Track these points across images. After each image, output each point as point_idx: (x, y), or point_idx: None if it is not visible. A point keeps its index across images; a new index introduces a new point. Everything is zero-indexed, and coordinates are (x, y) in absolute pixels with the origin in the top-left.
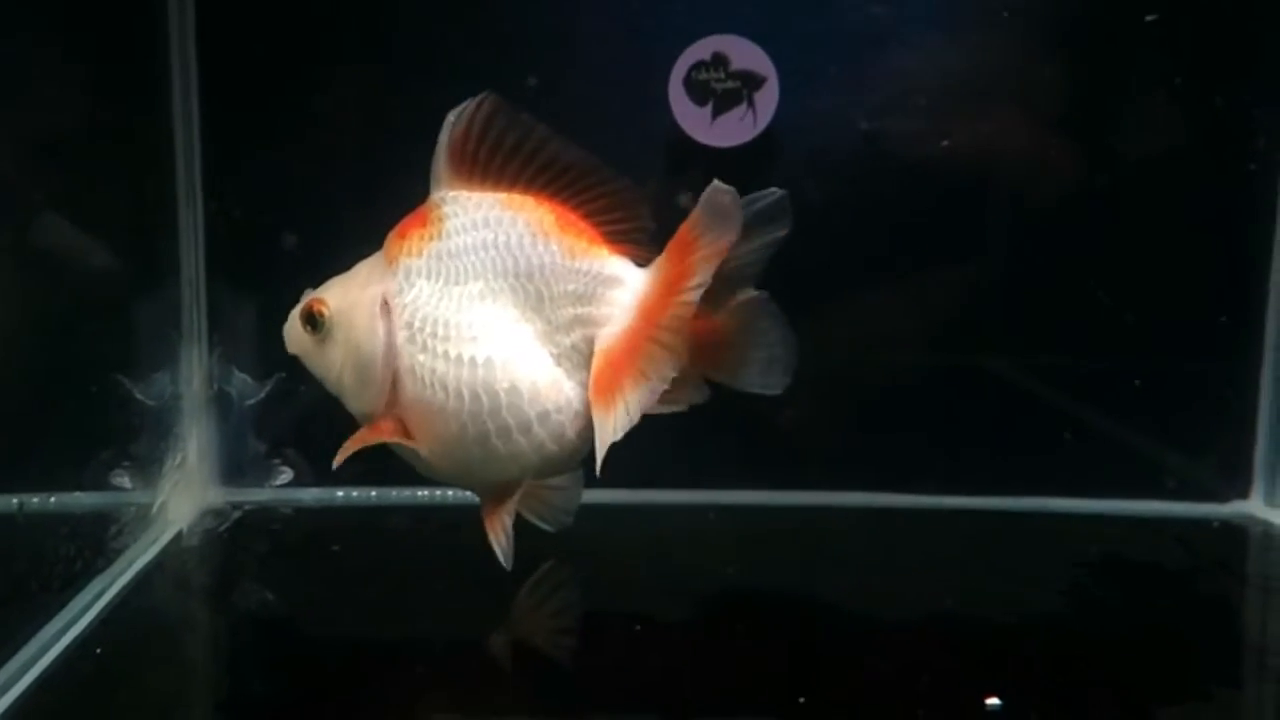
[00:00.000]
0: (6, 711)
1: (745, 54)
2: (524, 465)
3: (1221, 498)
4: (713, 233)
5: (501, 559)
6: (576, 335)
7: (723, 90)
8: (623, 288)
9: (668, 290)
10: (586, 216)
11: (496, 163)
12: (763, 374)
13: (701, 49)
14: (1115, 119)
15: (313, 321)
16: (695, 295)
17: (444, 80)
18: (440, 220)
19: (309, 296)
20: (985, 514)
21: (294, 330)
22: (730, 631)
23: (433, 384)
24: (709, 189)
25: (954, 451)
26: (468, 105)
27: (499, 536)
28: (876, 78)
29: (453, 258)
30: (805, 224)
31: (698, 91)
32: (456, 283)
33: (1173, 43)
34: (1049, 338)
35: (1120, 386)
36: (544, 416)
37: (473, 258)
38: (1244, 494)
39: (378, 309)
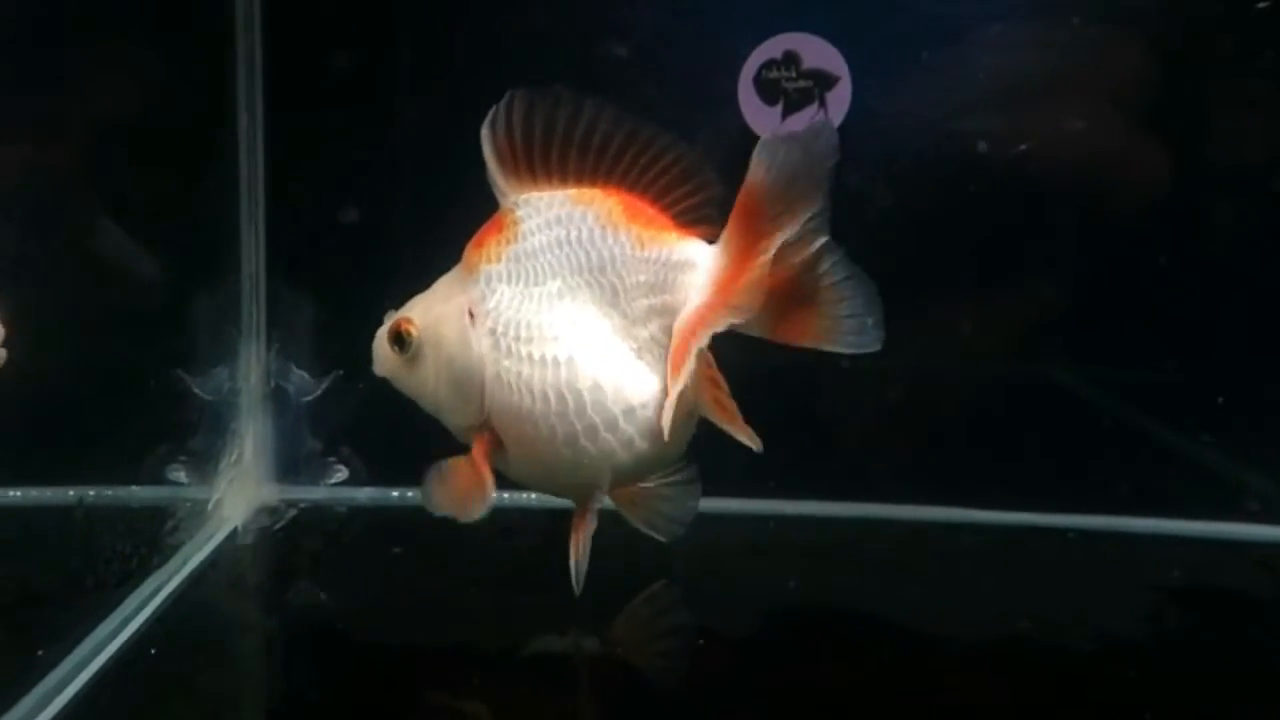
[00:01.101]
0: (64, 709)
1: (817, 53)
2: (616, 465)
3: None
4: (779, 194)
5: (574, 581)
6: (654, 326)
7: (794, 89)
8: (695, 271)
9: (740, 262)
10: (655, 199)
11: (553, 159)
12: (856, 332)
13: (773, 47)
14: (1202, 123)
15: (400, 341)
16: (769, 258)
17: (511, 77)
18: (515, 224)
19: (393, 317)
20: (1058, 531)
21: (382, 352)
22: (790, 647)
23: (519, 388)
24: (761, 144)
25: (1026, 466)
26: (497, 112)
27: (579, 552)
28: (952, 78)
29: (529, 259)
30: (875, 228)
31: (768, 90)
32: (535, 284)
33: (1262, 46)
34: (1129, 351)
35: (1203, 403)
36: (629, 413)
37: (548, 257)
38: None
39: (466, 319)
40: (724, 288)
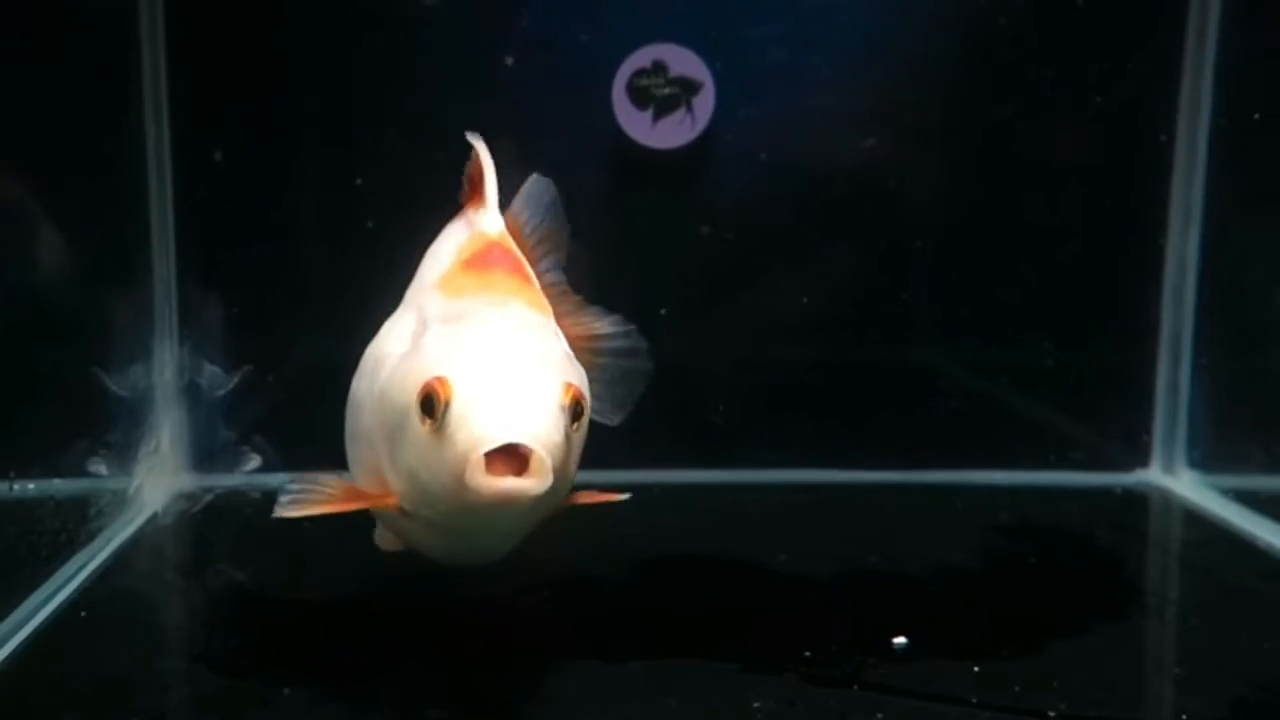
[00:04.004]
0: (4, 660)
1: (683, 61)
2: None
3: (1124, 467)
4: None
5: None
6: None
7: (662, 95)
8: None
9: None
10: None
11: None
12: (609, 406)
13: (642, 57)
14: (1016, 122)
15: (579, 411)
16: None
17: (405, 89)
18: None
19: (552, 391)
20: (907, 487)
21: (557, 438)
22: (672, 587)
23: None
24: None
25: (879, 430)
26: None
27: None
28: (807, 82)
29: None
30: (741, 221)
31: (639, 96)
32: None
33: (1073, 47)
34: (967, 325)
35: (1033, 368)
36: None
37: None
38: (1144, 464)
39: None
40: None
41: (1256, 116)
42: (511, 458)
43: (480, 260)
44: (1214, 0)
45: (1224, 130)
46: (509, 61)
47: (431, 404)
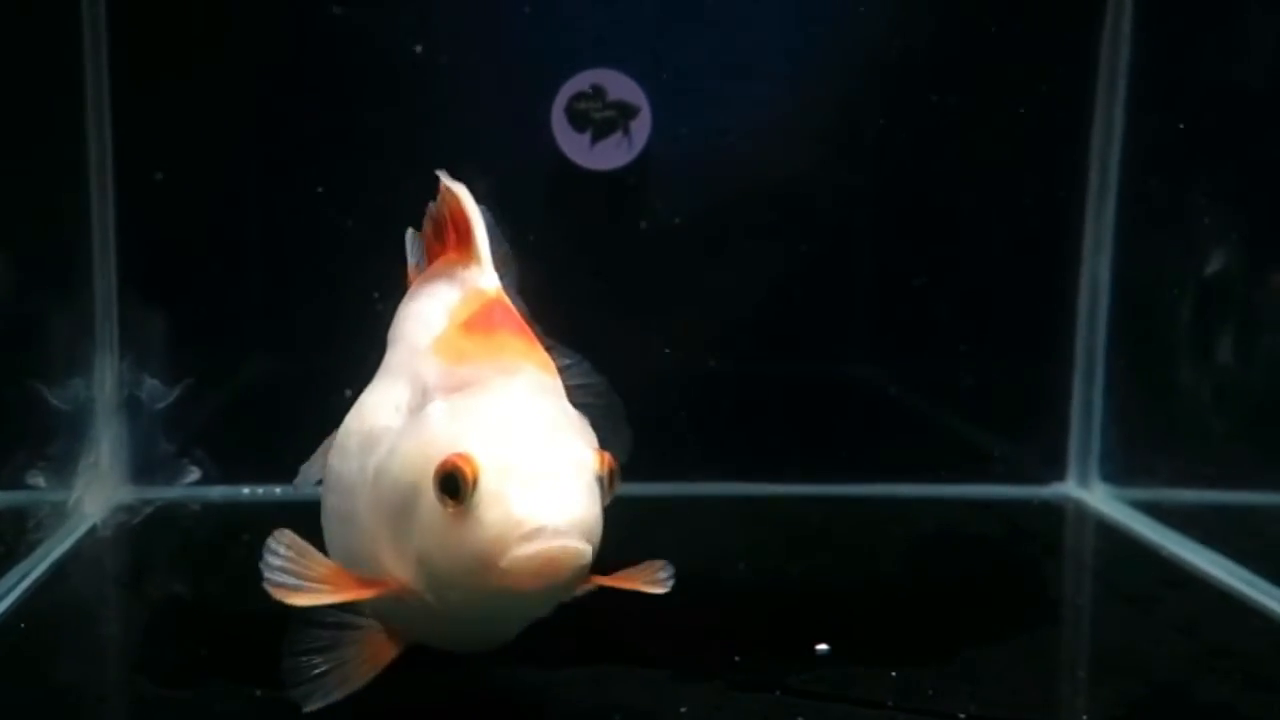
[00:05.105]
0: None
1: (621, 86)
2: None
3: (1042, 480)
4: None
5: None
6: None
7: (600, 119)
8: None
9: None
10: None
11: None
12: None
13: (581, 81)
14: (938, 148)
15: (614, 478)
16: None
17: (347, 107)
18: None
19: (585, 462)
20: (835, 499)
21: (596, 512)
22: (605, 596)
23: None
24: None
25: (805, 444)
26: None
27: None
28: (740, 105)
29: None
30: (675, 239)
31: (578, 119)
32: None
33: (991, 74)
34: (893, 343)
35: (955, 383)
36: None
37: None
38: (1060, 477)
39: None
40: None
41: (1182, 126)
42: (542, 538)
43: (483, 321)
44: (1125, 30)
45: (1134, 159)
46: (418, 49)
47: (454, 484)
